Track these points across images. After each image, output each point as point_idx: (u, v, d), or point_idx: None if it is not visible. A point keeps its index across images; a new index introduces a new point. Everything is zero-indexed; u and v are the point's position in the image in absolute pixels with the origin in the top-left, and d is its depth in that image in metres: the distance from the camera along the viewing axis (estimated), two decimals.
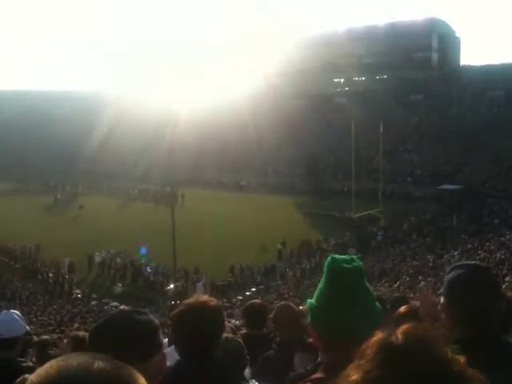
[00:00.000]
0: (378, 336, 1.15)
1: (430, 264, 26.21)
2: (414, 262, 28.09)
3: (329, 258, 1.73)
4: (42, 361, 3.83)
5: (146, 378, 1.39)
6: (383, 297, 5.07)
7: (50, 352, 5.21)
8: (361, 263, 1.73)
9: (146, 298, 30.48)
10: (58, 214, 48.22)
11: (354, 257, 1.75)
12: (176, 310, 2.11)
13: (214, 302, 2.15)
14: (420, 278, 23.53)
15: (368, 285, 1.74)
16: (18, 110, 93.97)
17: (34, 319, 26.18)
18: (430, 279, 22.56)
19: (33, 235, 38.81)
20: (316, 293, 1.74)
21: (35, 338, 6.83)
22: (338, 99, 71.89)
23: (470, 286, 2.01)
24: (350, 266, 1.67)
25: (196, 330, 1.99)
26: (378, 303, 1.75)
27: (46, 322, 25.22)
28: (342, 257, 1.72)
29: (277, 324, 3.86)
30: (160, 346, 1.52)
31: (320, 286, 1.74)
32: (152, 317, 1.56)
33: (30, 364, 3.28)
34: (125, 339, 1.42)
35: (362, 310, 1.64)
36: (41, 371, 0.78)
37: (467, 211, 37.29)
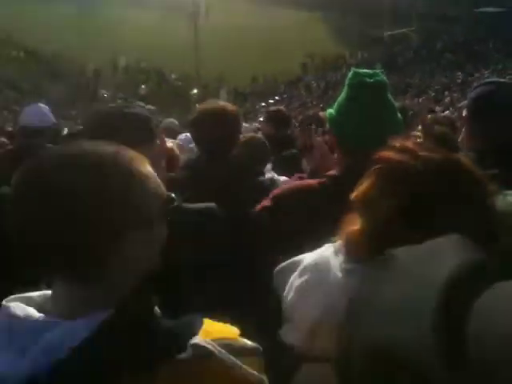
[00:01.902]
0: (389, 154, 1.06)
1: (459, 81, 25.52)
2: (443, 78, 27.35)
3: (351, 71, 1.69)
4: None
5: (152, 159, 1.48)
6: (405, 106, 4.99)
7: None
8: (384, 78, 1.68)
9: (170, 100, 30.81)
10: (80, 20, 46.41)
11: (379, 71, 1.69)
12: (194, 114, 2.15)
13: (231, 106, 2.18)
14: (446, 93, 23.12)
15: (391, 99, 1.71)
16: None
17: (64, 114, 27.03)
18: (456, 95, 22.20)
19: (55, 40, 37.92)
20: (336, 104, 1.74)
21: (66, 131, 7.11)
22: None
23: (495, 100, 1.96)
24: (372, 80, 1.63)
25: (213, 132, 2.05)
26: (399, 115, 1.73)
27: (77, 120, 26.01)
28: (365, 71, 1.67)
29: (301, 127, 3.91)
30: (154, 133, 1.55)
31: (340, 99, 1.72)
32: (142, 109, 1.59)
33: None
34: (119, 127, 1.44)
35: (382, 124, 1.63)
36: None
37: (505, 38, 34.85)
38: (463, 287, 0.64)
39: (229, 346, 0.79)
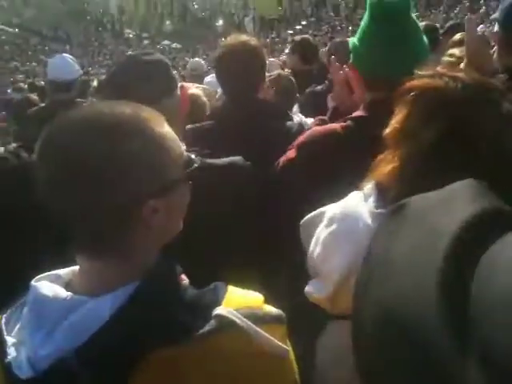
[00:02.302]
0: (424, 81, 1.00)
1: None
2: None
3: None
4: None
5: (171, 114, 1.44)
6: (434, 25, 4.70)
7: None
8: None
9: (195, 35, 30.20)
10: None
11: None
12: (216, 53, 2.09)
13: (254, 41, 2.11)
14: (481, 1, 21.82)
15: (415, 19, 1.62)
16: None
17: (91, 60, 26.99)
18: (492, 3, 20.93)
19: None
20: (359, 31, 1.66)
21: (94, 80, 7.12)
22: None
23: None
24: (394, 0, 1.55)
25: (238, 70, 1.97)
26: (425, 37, 1.65)
27: (103, 62, 25.98)
28: None
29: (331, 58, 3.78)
30: (176, 81, 1.51)
31: (362, 23, 1.64)
32: (160, 55, 1.54)
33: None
34: (139, 79, 1.41)
35: (406, 48, 1.54)
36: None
37: None
38: (472, 240, 0.61)
39: (253, 315, 0.79)
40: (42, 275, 0.83)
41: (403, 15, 1.57)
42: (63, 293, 0.78)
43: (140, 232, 0.80)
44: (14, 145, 1.59)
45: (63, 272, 0.85)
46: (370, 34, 1.59)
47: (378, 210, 0.99)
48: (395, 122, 1.00)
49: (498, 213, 0.66)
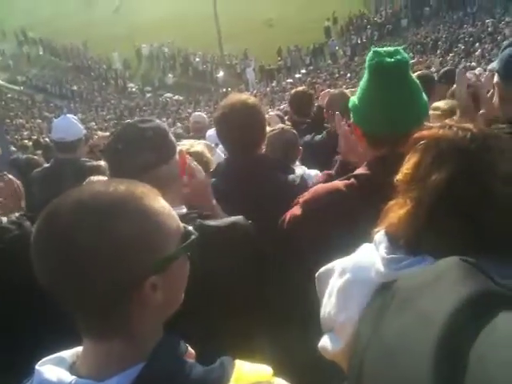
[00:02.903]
0: (434, 131, 1.04)
1: (489, 29, 24.57)
2: (471, 28, 26.39)
3: (371, 52, 1.62)
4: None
5: (170, 180, 1.46)
6: (429, 74, 4.82)
7: None
8: (405, 55, 1.61)
9: (197, 87, 30.87)
10: (97, 8, 46.72)
11: (399, 48, 1.62)
12: (217, 112, 2.13)
13: (252, 99, 2.15)
14: (477, 45, 22.35)
15: (414, 78, 1.64)
16: None
17: (95, 115, 27.51)
18: (487, 46, 21.42)
19: (75, 31, 38.32)
20: (358, 91, 1.68)
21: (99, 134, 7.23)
22: None
23: None
24: (392, 59, 1.56)
25: (238, 128, 2.03)
26: (424, 95, 1.67)
27: (106, 116, 26.48)
28: (384, 50, 1.60)
29: (329, 111, 3.85)
30: (174, 146, 1.52)
31: (362, 83, 1.67)
32: (159, 122, 1.55)
33: (95, 163, 3.51)
34: (137, 146, 1.42)
35: (406, 105, 1.57)
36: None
37: None
38: (461, 330, 0.61)
39: None
40: (46, 358, 0.81)
41: (403, 77, 1.59)
42: (68, 377, 0.76)
43: (141, 311, 0.79)
44: (16, 214, 1.59)
45: (67, 354, 0.84)
46: (371, 94, 1.62)
47: (389, 256, 0.98)
48: (406, 168, 1.04)
49: (484, 296, 0.65)
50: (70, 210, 0.78)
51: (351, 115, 1.70)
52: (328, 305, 1.08)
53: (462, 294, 0.65)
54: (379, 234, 1.06)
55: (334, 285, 1.08)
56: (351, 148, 1.95)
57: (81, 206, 0.78)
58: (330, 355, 1.06)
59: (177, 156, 1.51)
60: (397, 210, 1.02)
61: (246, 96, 2.17)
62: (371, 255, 1.05)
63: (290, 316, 1.57)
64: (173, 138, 1.54)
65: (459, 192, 0.92)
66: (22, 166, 4.71)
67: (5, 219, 1.58)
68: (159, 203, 0.84)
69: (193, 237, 0.87)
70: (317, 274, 1.19)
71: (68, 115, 3.81)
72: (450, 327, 0.61)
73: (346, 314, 1.03)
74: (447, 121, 1.06)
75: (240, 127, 2.02)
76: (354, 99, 1.69)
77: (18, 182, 2.51)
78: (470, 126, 1.01)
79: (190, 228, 0.89)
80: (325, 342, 1.08)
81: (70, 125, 3.61)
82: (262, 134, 2.13)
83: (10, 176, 2.46)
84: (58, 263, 0.76)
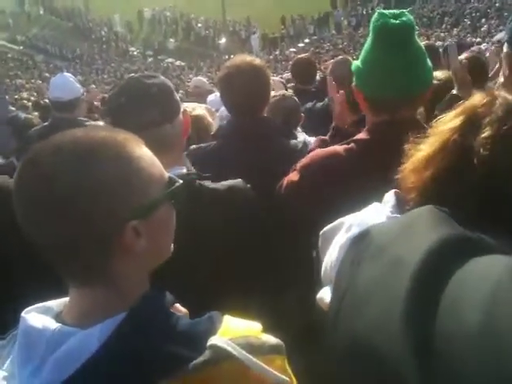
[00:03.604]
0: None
1: (497, 5, 24.16)
2: (478, 3, 25.94)
3: (376, 13, 1.58)
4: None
5: (172, 140, 1.42)
6: (434, 44, 4.75)
7: None
8: (411, 18, 1.56)
9: (198, 52, 30.46)
10: None
11: (405, 11, 1.58)
12: (222, 72, 2.08)
13: (258, 60, 2.10)
14: (483, 20, 22.02)
15: (418, 41, 1.60)
16: None
17: (96, 78, 27.20)
18: (493, 22, 21.11)
19: None
20: (362, 53, 1.64)
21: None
22: None
23: None
24: (397, 21, 1.52)
25: (242, 89, 1.97)
26: (428, 61, 1.63)
27: (107, 80, 26.19)
28: (390, 12, 1.56)
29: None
30: (179, 106, 1.47)
31: (366, 45, 1.63)
32: (164, 78, 1.47)
33: (93, 122, 3.48)
34: (142, 101, 1.37)
35: (410, 69, 1.54)
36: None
37: None
38: (434, 270, 0.61)
39: (249, 345, 0.75)
40: (32, 307, 0.81)
41: (408, 40, 1.55)
42: (52, 324, 0.76)
43: (125, 258, 0.79)
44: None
45: (55, 303, 0.83)
46: (374, 58, 1.58)
47: (394, 215, 0.98)
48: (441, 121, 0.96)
49: (459, 240, 0.65)
50: (50, 153, 0.76)
51: (354, 79, 1.67)
52: (329, 260, 1.08)
53: (436, 237, 0.64)
54: (388, 194, 1.05)
55: (338, 241, 1.07)
56: (341, 114, 1.95)
57: (60, 150, 0.77)
58: (326, 306, 1.04)
59: (181, 116, 1.47)
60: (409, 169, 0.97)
61: (251, 57, 2.13)
62: (378, 212, 1.04)
63: (287, 282, 1.56)
64: (177, 97, 1.49)
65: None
66: (19, 125, 4.66)
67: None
68: (141, 150, 0.83)
69: (177, 184, 0.86)
70: (321, 232, 1.18)
71: (65, 73, 3.75)
72: (422, 270, 0.61)
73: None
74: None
75: (245, 87, 1.96)
76: (357, 62, 1.65)
77: None
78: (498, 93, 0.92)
79: (174, 176, 0.88)
80: (323, 293, 1.08)
81: (66, 83, 3.56)
82: (266, 97, 2.08)
83: None
84: (37, 207, 0.75)
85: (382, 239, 0.73)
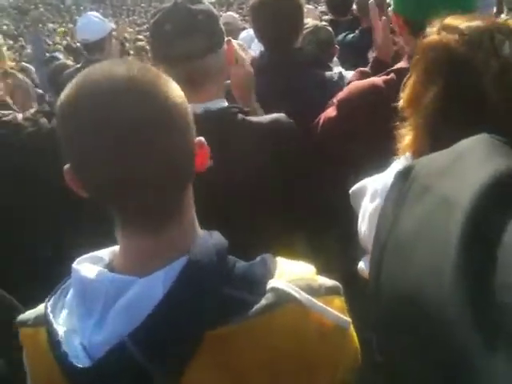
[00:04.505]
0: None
1: None
2: None
3: None
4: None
5: (215, 71, 1.35)
6: None
7: None
8: None
9: None
10: None
11: None
12: (253, 3, 1.98)
13: None
14: None
15: None
16: None
17: (127, 19, 26.85)
18: None
19: None
20: None
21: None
22: None
23: None
24: None
25: (275, 18, 1.90)
26: None
27: (137, 21, 25.82)
28: None
29: (361, 9, 3.62)
30: (223, 35, 1.39)
31: None
32: (210, 5, 1.38)
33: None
34: (187, 28, 1.29)
35: None
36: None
37: None
38: (488, 213, 0.52)
39: (308, 287, 0.73)
40: (82, 257, 0.77)
41: None
42: (109, 275, 0.73)
43: (189, 188, 0.78)
44: (31, 111, 1.51)
45: (103, 253, 0.80)
46: None
47: None
48: (403, 93, 1.00)
49: None
50: (104, 88, 0.69)
51: (391, 2, 1.56)
52: (363, 226, 1.08)
53: (490, 171, 0.55)
54: (407, 155, 1.03)
55: (366, 209, 1.08)
56: (385, 43, 1.81)
57: (122, 83, 0.70)
58: (367, 276, 1.04)
59: (225, 46, 1.40)
60: (404, 138, 0.99)
61: None
62: None
63: (328, 221, 1.51)
64: (222, 26, 1.41)
65: (454, 111, 0.87)
66: (55, 69, 4.63)
67: (20, 116, 1.51)
68: (175, 90, 0.76)
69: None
70: (350, 191, 1.17)
71: (89, 13, 3.65)
72: (476, 211, 0.53)
73: None
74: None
75: (278, 15, 1.89)
76: None
77: (29, 82, 2.42)
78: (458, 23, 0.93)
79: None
80: (362, 263, 1.09)
81: (92, 23, 3.48)
82: (300, 26, 2.00)
83: (20, 76, 2.38)
84: (114, 141, 0.68)
85: (427, 175, 0.65)
